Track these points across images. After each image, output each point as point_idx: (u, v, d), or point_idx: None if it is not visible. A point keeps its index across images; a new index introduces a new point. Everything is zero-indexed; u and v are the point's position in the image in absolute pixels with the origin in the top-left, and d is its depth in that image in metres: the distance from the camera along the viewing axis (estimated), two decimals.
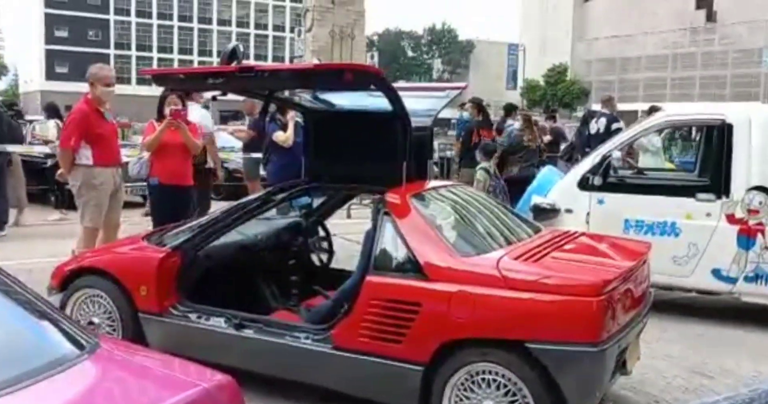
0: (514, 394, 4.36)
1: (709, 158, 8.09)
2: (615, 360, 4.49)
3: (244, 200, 6.10)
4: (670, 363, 6.29)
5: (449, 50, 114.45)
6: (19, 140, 12.98)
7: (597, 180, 7.87)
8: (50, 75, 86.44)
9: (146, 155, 8.32)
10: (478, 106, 13.74)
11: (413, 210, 4.97)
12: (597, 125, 12.66)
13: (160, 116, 8.21)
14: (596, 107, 27.17)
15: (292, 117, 9.50)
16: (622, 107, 14.64)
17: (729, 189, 7.39)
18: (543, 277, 4.43)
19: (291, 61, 71.40)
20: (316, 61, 18.33)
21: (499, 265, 4.54)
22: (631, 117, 20.38)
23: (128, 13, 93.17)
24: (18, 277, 3.24)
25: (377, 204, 5.16)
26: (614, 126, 12.24)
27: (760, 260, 7.28)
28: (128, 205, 11.06)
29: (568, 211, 7.99)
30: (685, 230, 7.51)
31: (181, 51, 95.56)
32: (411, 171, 5.40)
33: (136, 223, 10.63)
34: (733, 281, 7.39)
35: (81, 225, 7.75)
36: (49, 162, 13.31)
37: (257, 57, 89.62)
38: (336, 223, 7.63)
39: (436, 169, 15.54)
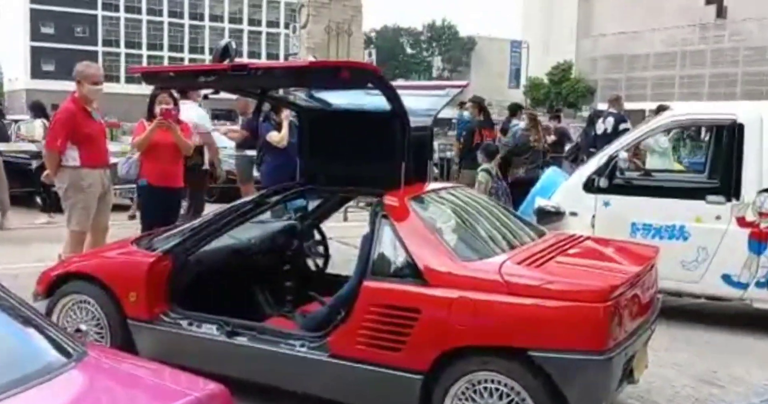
0: None
1: (719, 159, 8.08)
2: (622, 368, 4.50)
3: (237, 202, 6.09)
4: (678, 372, 6.29)
5: (449, 47, 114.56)
6: (4, 139, 12.98)
7: (603, 182, 7.87)
8: (36, 73, 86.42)
9: (135, 155, 8.31)
10: (479, 105, 13.75)
11: (412, 213, 4.97)
12: (604, 125, 12.67)
13: (151, 116, 8.20)
14: (602, 106, 27.17)
15: (287, 116, 9.50)
16: (628, 106, 14.65)
17: (740, 191, 7.38)
18: (547, 282, 4.43)
19: (285, 58, 71.35)
20: (311, 59, 18.32)
21: (502, 270, 4.54)
22: (638, 117, 20.42)
23: (117, 9, 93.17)
24: (2, 282, 3.24)
25: (375, 207, 5.16)
26: (622, 126, 12.25)
27: None
28: (117, 208, 11.04)
29: (573, 214, 7.99)
30: (695, 233, 7.51)
31: (172, 48, 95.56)
32: (410, 173, 5.40)
33: (125, 226, 10.62)
34: (744, 286, 7.39)
35: (68, 229, 7.74)
36: (35, 163, 13.29)
37: (250, 54, 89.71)
38: (332, 226, 7.63)
39: (435, 170, 15.55)
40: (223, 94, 6.33)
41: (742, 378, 6.25)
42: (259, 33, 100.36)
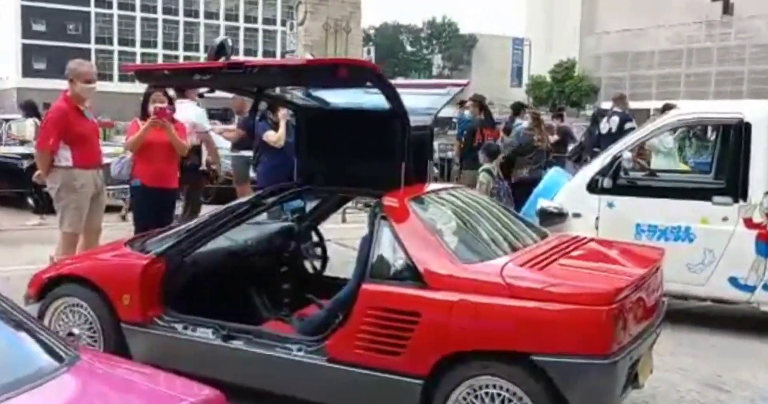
0: None
1: (725, 159, 8.08)
2: (626, 373, 4.49)
3: (233, 203, 6.09)
4: (683, 376, 6.30)
5: (450, 45, 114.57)
6: None
7: (607, 182, 7.87)
8: (27, 71, 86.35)
9: (129, 154, 8.31)
10: (480, 104, 13.75)
11: (412, 214, 4.98)
12: (609, 124, 12.66)
13: (145, 115, 8.20)
14: (605, 104, 27.18)
15: (284, 116, 9.49)
16: (633, 104, 14.66)
17: (747, 192, 7.39)
18: (550, 285, 4.43)
19: (282, 56, 71.38)
20: (308, 57, 18.32)
21: (504, 272, 4.54)
22: (642, 116, 20.41)
23: (110, 6, 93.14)
24: None
25: (374, 208, 5.16)
26: (627, 126, 12.24)
27: None
28: (110, 209, 11.04)
29: (576, 215, 7.99)
30: (701, 235, 7.51)
31: (166, 46, 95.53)
32: (410, 173, 5.41)
33: (118, 227, 10.62)
34: (751, 289, 7.39)
35: (60, 230, 7.75)
36: (26, 163, 13.29)
37: (246, 52, 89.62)
38: (330, 228, 7.63)
39: (436, 171, 15.55)
40: (218, 93, 6.33)
41: (749, 383, 6.25)
42: (256, 30, 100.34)
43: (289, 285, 6.33)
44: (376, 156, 5.53)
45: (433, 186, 5.85)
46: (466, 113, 14.14)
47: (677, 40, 72.59)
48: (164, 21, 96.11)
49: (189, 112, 9.37)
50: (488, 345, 4.45)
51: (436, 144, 12.04)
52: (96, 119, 8.45)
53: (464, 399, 4.48)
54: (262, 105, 9.07)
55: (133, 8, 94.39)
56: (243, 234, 6.20)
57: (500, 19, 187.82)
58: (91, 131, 7.97)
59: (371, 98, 5.57)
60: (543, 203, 8.23)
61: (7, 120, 16.28)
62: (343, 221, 12.60)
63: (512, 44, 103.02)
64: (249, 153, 10.85)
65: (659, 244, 7.01)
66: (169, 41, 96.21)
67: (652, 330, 4.94)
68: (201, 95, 9.49)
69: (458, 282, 4.55)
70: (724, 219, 7.44)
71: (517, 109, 15.57)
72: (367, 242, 4.96)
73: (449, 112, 17.88)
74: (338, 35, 27.33)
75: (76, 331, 5.54)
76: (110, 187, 10.21)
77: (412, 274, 4.70)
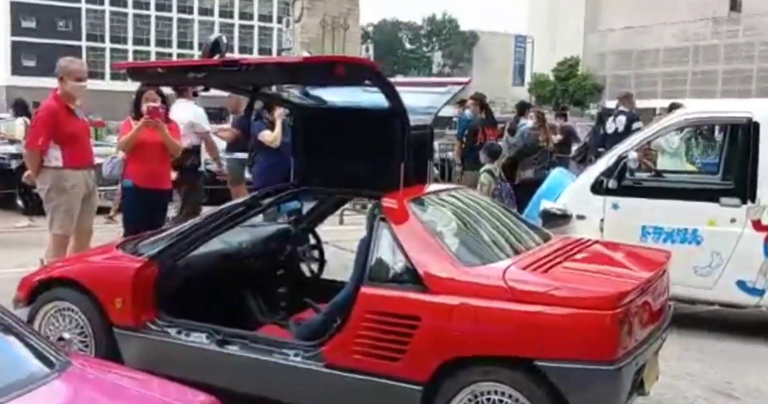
0: None
1: (733, 159, 8.09)
2: (632, 379, 4.49)
3: (228, 205, 6.09)
4: (691, 382, 6.30)
5: (450, 42, 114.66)
6: None
7: (612, 183, 7.87)
8: (16, 69, 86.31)
9: (120, 154, 8.31)
10: (481, 102, 13.75)
11: (412, 216, 4.98)
12: (615, 124, 12.64)
13: (137, 114, 8.21)
14: (610, 103, 27.14)
15: (280, 115, 9.49)
16: (638, 103, 14.63)
17: (755, 193, 7.39)
18: (553, 289, 4.43)
19: (278, 53, 71.35)
20: (305, 54, 18.34)
21: (506, 276, 4.54)
22: (648, 115, 20.44)
23: (101, 2, 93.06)
24: None
25: (373, 209, 5.16)
26: (635, 126, 12.22)
27: None
28: (102, 210, 11.04)
29: (581, 217, 7.99)
30: (708, 237, 7.52)
31: (159, 43, 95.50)
32: (409, 173, 5.40)
33: (107, 229, 10.61)
34: (759, 293, 7.39)
35: (50, 232, 7.74)
36: (15, 164, 13.29)
37: (242, 50, 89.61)
38: (328, 230, 7.63)
39: (436, 171, 15.55)
40: (213, 92, 6.33)
41: (758, 389, 6.26)
42: (251, 27, 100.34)
43: (285, 289, 6.32)
44: (374, 156, 5.52)
45: (433, 187, 5.85)
46: (467, 112, 14.14)
47: (683, 38, 72.70)
48: (157, 17, 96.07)
49: (187, 111, 9.37)
50: (490, 350, 4.45)
51: (436, 144, 12.05)
52: (87, 118, 8.44)
53: None
54: (258, 104, 9.06)
55: (125, 4, 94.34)
56: (238, 237, 6.20)
57: (501, 16, 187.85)
58: (82, 131, 7.97)
59: (370, 97, 5.56)
60: (546, 204, 8.23)
61: None
62: (341, 222, 12.60)
63: (514, 42, 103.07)
64: (243, 155, 10.84)
65: (665, 246, 7.00)
66: (162, 38, 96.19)
67: (658, 335, 4.94)
68: (195, 94, 9.54)
69: (459, 286, 4.55)
70: (732, 221, 7.44)
71: (522, 108, 15.56)
72: (366, 245, 4.95)
73: (449, 111, 17.88)
74: (336, 32, 27.30)
75: (66, 336, 5.56)
76: (102, 188, 10.21)
77: (411, 277, 4.69)
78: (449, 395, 4.50)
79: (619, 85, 64.15)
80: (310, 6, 27.69)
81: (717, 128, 13.86)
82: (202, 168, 9.85)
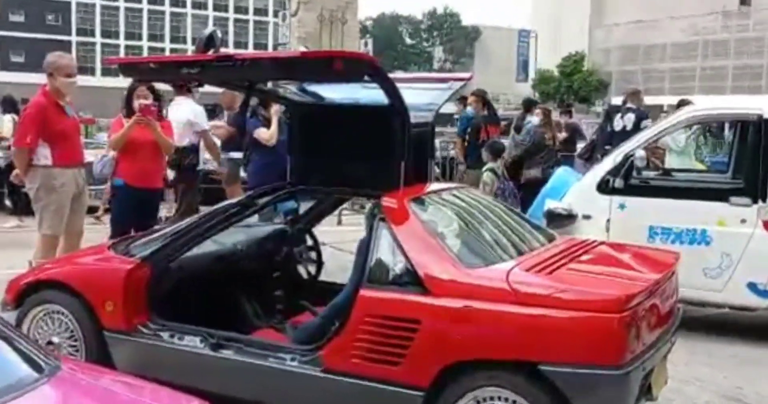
0: None
1: (743, 158, 8.08)
2: (639, 384, 4.49)
3: (222, 204, 6.09)
4: (700, 388, 6.30)
5: (452, 37, 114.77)
6: None
7: (618, 182, 7.87)
8: (4, 65, 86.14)
9: (111, 153, 8.31)
10: (483, 99, 13.74)
11: (412, 216, 4.98)
12: (623, 122, 12.61)
13: (129, 111, 8.20)
14: (615, 100, 27.13)
15: (276, 112, 9.50)
16: (645, 100, 14.63)
17: (766, 192, 7.39)
18: (558, 291, 4.43)
19: (275, 48, 71.36)
20: (302, 49, 18.32)
21: (509, 278, 4.54)
22: (656, 111, 20.43)
23: None
24: None
25: (372, 209, 5.16)
26: (644, 123, 12.21)
27: None
28: (92, 210, 11.05)
29: (586, 217, 7.99)
30: (717, 238, 7.52)
31: (151, 37, 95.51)
32: (410, 172, 5.40)
33: (95, 230, 10.60)
34: None
35: (39, 233, 7.74)
36: (2, 162, 13.29)
37: (237, 45, 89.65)
38: (325, 230, 7.62)
39: (437, 170, 15.54)
40: (207, 88, 6.33)
41: None
42: (246, 21, 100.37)
43: (281, 291, 6.32)
44: (374, 155, 5.51)
45: (434, 186, 5.84)
46: (469, 109, 14.13)
47: (692, 32, 72.68)
48: (149, 11, 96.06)
49: (186, 109, 9.37)
50: (493, 355, 4.45)
51: (437, 142, 12.05)
52: (77, 116, 8.43)
53: None
54: (253, 101, 9.06)
55: None
56: (233, 237, 6.19)
57: (504, 11, 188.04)
58: (72, 128, 7.96)
59: (369, 93, 5.56)
60: (551, 204, 8.23)
61: None
62: (339, 223, 12.61)
63: (518, 37, 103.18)
64: (239, 155, 10.83)
65: (674, 247, 6.99)
66: (154, 33, 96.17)
67: (666, 339, 4.94)
68: (189, 90, 9.53)
69: (461, 288, 4.55)
70: (743, 221, 7.44)
71: (528, 105, 15.54)
72: (365, 246, 4.95)
73: (450, 108, 17.88)
74: (333, 27, 27.34)
75: (56, 340, 5.55)
76: (93, 187, 10.21)
77: (412, 279, 4.69)
78: (451, 400, 4.49)
79: (625, 81, 64.15)
80: (306, 0, 27.72)
81: (727, 125, 13.84)
82: (200, 167, 9.83)
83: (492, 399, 4.41)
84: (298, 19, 28.02)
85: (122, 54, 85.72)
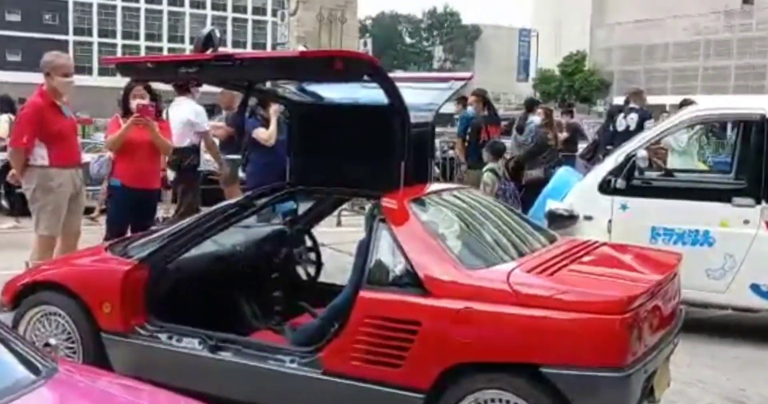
0: None
1: (746, 158, 8.08)
2: (641, 386, 4.49)
3: (221, 205, 6.09)
4: (702, 390, 6.30)
5: (452, 36, 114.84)
6: None
7: (620, 183, 7.86)
8: (0, 64, 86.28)
9: (108, 153, 8.31)
10: (483, 98, 13.74)
11: (412, 217, 4.98)
12: (626, 122, 12.61)
13: (126, 111, 8.20)
14: (617, 100, 27.13)
15: (276, 111, 9.49)
16: (647, 100, 14.64)
17: None
18: (559, 292, 4.43)
19: (273, 48, 71.38)
20: (301, 48, 18.29)
21: (510, 279, 4.54)
22: (657, 112, 20.42)
23: None
24: None
25: (372, 210, 5.16)
26: (648, 124, 12.21)
27: None
28: (89, 211, 11.05)
29: (588, 218, 7.99)
30: (720, 239, 7.51)
31: (149, 37, 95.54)
32: (410, 173, 5.40)
33: (91, 231, 10.59)
34: None
35: (36, 234, 7.73)
36: None
37: (235, 44, 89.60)
38: (324, 231, 7.63)
39: (437, 170, 15.54)
40: (204, 88, 6.33)
41: None
42: (245, 21, 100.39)
43: (280, 293, 6.32)
44: (373, 155, 5.51)
45: (434, 187, 5.84)
46: (470, 108, 14.13)
47: (694, 32, 72.76)
48: (147, 11, 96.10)
49: (187, 109, 9.37)
50: (494, 357, 4.45)
51: (437, 142, 12.06)
52: (74, 116, 8.43)
53: None
54: (252, 100, 9.06)
55: None
56: (232, 238, 6.19)
57: (505, 9, 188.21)
58: (69, 128, 7.95)
59: (369, 93, 5.56)
60: (552, 204, 8.22)
61: None
62: (338, 224, 12.61)
63: (518, 36, 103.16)
64: (236, 156, 10.83)
65: (676, 248, 6.99)
66: (152, 32, 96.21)
67: (669, 341, 4.94)
68: (188, 90, 9.52)
69: (462, 289, 4.55)
70: (746, 222, 7.44)
71: (531, 105, 15.54)
72: (365, 247, 4.95)
73: (450, 108, 17.87)
74: (333, 26, 27.35)
75: (53, 341, 5.55)
76: (90, 187, 10.21)
77: (412, 280, 4.69)
78: (452, 403, 4.49)
79: (627, 80, 64.20)
80: None
81: (729, 125, 13.85)
82: (201, 168, 9.83)
83: (493, 401, 4.41)
84: (297, 19, 28.03)
85: (119, 54, 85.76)
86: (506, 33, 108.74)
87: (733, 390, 6.32)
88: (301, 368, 4.86)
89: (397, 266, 4.81)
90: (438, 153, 16.06)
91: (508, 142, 13.13)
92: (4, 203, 13.98)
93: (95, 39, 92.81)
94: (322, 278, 6.82)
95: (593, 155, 14.04)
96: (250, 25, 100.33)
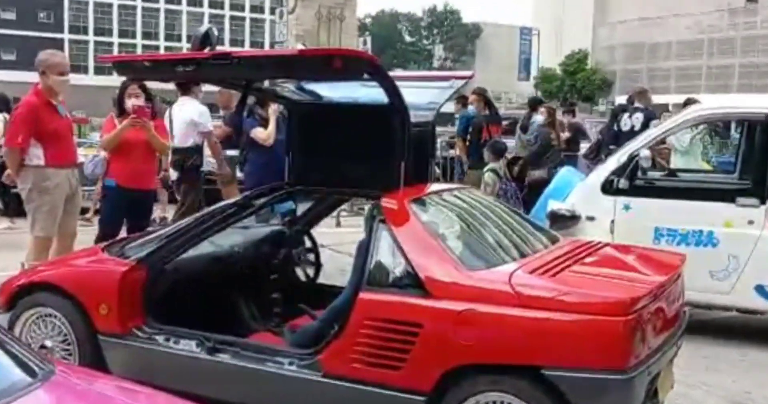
0: None
1: (751, 158, 8.09)
2: (645, 388, 4.49)
3: (218, 205, 6.09)
4: (707, 392, 6.30)
5: (452, 35, 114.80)
6: None
7: (623, 183, 7.86)
8: None
9: (103, 153, 8.31)
10: (484, 97, 13.73)
11: (413, 217, 4.97)
12: (631, 121, 12.59)
13: (121, 110, 8.20)
14: (620, 99, 27.12)
15: (274, 111, 9.49)
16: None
17: None
18: (562, 294, 4.43)
19: (272, 46, 71.35)
20: (300, 47, 18.28)
21: (512, 280, 4.54)
22: (661, 111, 20.42)
23: None
24: None
25: (371, 210, 5.16)
26: (653, 123, 12.20)
27: None
28: (84, 211, 11.04)
29: (590, 218, 7.99)
30: (724, 239, 7.51)
31: (146, 35, 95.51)
32: (410, 172, 5.40)
33: (86, 232, 10.58)
34: None
35: (31, 235, 7.73)
36: None
37: (233, 42, 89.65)
38: (324, 232, 7.63)
39: (438, 170, 15.53)
40: (205, 87, 6.32)
41: None
42: (243, 19, 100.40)
43: (279, 294, 6.31)
44: (373, 154, 5.51)
45: (435, 187, 5.84)
46: (471, 107, 14.13)
47: (698, 30, 72.75)
48: (143, 9, 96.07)
49: (190, 109, 9.36)
50: (495, 359, 4.45)
51: (438, 142, 12.05)
52: (70, 115, 8.43)
53: None
54: (250, 100, 9.05)
55: None
56: (230, 239, 6.19)
57: (505, 8, 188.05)
58: (65, 128, 7.95)
59: (368, 92, 5.56)
60: (554, 205, 8.22)
61: None
62: (338, 224, 12.61)
63: (519, 34, 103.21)
64: (234, 153, 10.82)
65: (680, 249, 6.99)
66: (148, 30, 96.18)
67: (672, 342, 4.94)
68: (189, 89, 9.51)
69: (463, 290, 4.55)
70: (750, 222, 7.44)
71: (534, 104, 15.53)
72: (365, 248, 4.95)
73: (451, 107, 17.88)
74: (332, 24, 27.30)
75: (49, 343, 5.54)
76: (86, 187, 10.20)
77: (412, 282, 4.69)
78: None
79: (629, 79, 64.28)
80: None
81: (733, 124, 13.86)
82: (204, 168, 9.83)
83: (495, 403, 4.42)
84: (296, 17, 27.96)
85: (116, 52, 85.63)
86: (507, 31, 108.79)
87: (738, 393, 6.32)
88: (301, 370, 4.86)
89: (398, 267, 4.81)
90: (438, 152, 16.04)
91: (509, 141, 13.12)
92: None
93: (91, 37, 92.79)
94: (321, 280, 6.82)
95: (596, 155, 14.05)
96: (247, 23, 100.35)
